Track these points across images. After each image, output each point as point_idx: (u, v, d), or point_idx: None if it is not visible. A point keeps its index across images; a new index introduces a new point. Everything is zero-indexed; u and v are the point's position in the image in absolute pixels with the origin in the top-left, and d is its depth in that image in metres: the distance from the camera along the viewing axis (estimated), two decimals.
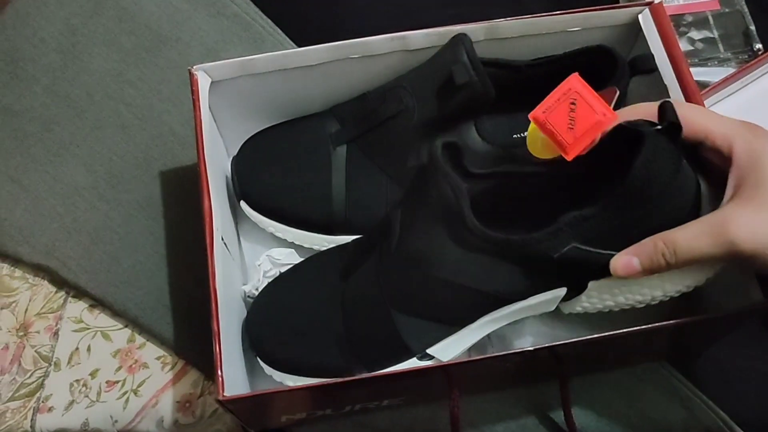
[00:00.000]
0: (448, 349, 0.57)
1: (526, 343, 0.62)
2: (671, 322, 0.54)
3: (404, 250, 0.55)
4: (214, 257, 0.55)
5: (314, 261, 0.65)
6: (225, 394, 0.51)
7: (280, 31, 0.84)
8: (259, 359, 0.61)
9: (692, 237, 0.48)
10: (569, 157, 0.49)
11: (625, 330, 0.53)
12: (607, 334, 0.53)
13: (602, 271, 0.52)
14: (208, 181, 0.58)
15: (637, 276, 0.50)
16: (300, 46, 0.81)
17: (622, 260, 0.50)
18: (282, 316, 0.61)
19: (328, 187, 0.65)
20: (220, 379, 0.52)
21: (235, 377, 0.56)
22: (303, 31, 0.84)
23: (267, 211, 0.67)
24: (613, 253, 0.51)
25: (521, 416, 0.66)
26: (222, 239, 0.58)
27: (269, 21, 0.84)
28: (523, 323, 0.62)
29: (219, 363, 0.52)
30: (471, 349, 0.65)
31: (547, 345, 0.54)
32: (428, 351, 0.56)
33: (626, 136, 0.50)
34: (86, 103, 0.80)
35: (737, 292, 0.58)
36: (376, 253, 0.58)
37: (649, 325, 0.54)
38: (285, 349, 0.59)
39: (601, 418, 0.65)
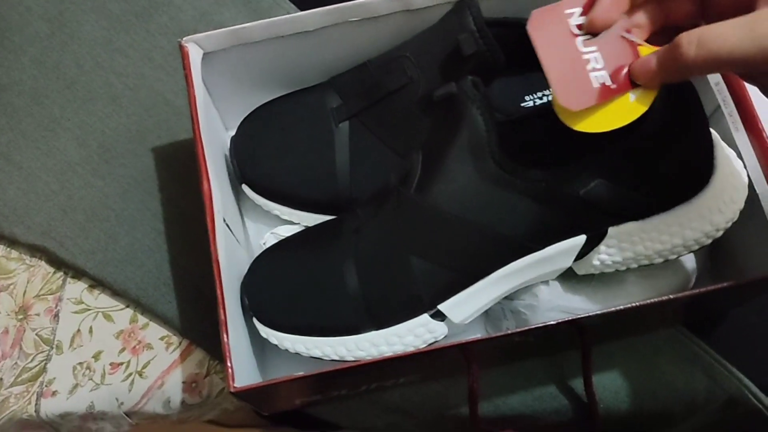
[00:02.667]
0: (460, 308, 0.54)
1: (540, 317, 0.60)
2: (705, 289, 0.52)
3: (425, 188, 0.52)
4: (217, 243, 0.53)
5: (317, 227, 0.62)
6: (236, 385, 0.49)
7: None
8: (255, 320, 0.58)
9: (722, 28, 0.42)
10: None
11: (657, 299, 0.52)
12: (636, 303, 0.52)
13: (622, 215, 0.52)
14: (206, 163, 0.55)
15: (654, 79, 0.45)
16: (299, 7, 0.79)
17: (639, 61, 0.46)
18: (281, 277, 0.58)
19: (332, 166, 0.62)
20: (230, 370, 0.50)
21: (244, 364, 0.55)
22: None
23: (270, 195, 0.64)
24: (637, 194, 0.51)
25: (536, 388, 0.65)
26: (224, 221, 0.55)
27: None
28: (537, 297, 0.60)
29: (228, 354, 0.50)
30: (487, 325, 0.63)
31: (572, 318, 0.52)
32: (439, 307, 0.54)
33: None
34: (76, 73, 0.77)
35: (762, 255, 0.57)
36: (392, 199, 0.55)
37: (684, 293, 0.53)
38: (283, 309, 0.57)
39: (621, 388, 0.64)
